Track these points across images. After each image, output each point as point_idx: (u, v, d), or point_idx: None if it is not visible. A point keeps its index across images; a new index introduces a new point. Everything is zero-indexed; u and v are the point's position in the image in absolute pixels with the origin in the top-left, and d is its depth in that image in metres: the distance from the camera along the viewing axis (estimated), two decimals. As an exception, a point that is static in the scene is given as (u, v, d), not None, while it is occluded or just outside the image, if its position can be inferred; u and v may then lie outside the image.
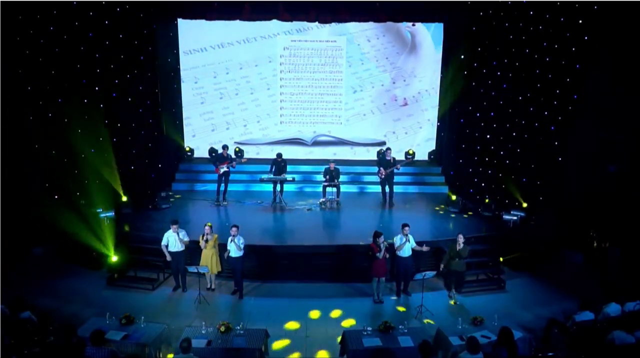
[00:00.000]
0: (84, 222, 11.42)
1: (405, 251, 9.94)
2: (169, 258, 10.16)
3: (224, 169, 13.36)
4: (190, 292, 10.28)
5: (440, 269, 10.20)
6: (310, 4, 13.79)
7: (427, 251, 10.24)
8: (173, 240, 10.08)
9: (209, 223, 10.02)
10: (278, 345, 8.48)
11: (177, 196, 14.00)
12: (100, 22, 12.00)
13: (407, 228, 9.91)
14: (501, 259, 11.29)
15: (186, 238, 10.18)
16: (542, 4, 12.01)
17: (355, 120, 15.91)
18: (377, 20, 14.36)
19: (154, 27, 13.49)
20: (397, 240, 9.94)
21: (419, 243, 10.11)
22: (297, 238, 11.49)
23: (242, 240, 9.83)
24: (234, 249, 9.79)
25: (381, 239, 9.63)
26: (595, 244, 11.78)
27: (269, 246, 10.99)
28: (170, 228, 10.10)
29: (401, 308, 9.90)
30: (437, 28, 15.12)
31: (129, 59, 12.72)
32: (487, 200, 13.23)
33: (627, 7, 10.90)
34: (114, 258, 10.82)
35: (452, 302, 10.06)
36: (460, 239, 9.82)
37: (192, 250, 10.33)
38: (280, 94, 15.67)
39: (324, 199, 13.39)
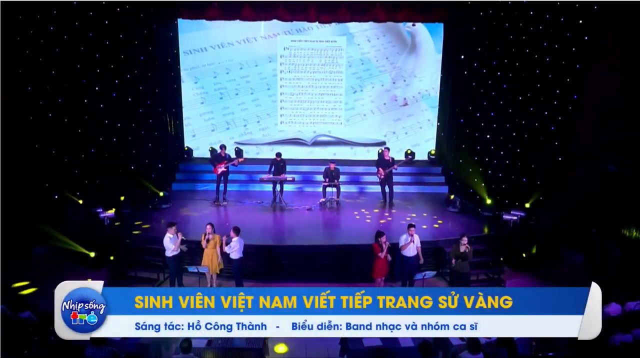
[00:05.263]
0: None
1: (410, 251, 9.94)
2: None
3: (221, 169, 13.36)
4: (191, 292, 10.24)
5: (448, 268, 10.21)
6: (310, 4, 13.78)
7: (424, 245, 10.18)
8: (170, 246, 9.66)
9: (211, 223, 9.98)
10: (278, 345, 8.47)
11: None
12: (100, 22, 11.99)
13: (412, 229, 9.89)
14: (502, 259, 11.27)
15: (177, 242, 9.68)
16: (542, 4, 12.00)
17: (355, 120, 15.90)
18: (377, 20, 14.35)
19: (154, 27, 13.48)
20: (402, 239, 9.94)
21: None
22: (297, 238, 11.48)
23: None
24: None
25: (383, 239, 9.62)
26: (595, 244, 11.76)
27: (268, 246, 10.99)
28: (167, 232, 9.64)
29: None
30: (437, 28, 15.12)
31: (128, 59, 12.71)
32: (491, 201, 13.20)
33: (627, 7, 10.91)
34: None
35: None
36: (464, 241, 9.75)
37: (193, 251, 10.31)
38: (280, 94, 15.66)
39: (324, 199, 13.39)
